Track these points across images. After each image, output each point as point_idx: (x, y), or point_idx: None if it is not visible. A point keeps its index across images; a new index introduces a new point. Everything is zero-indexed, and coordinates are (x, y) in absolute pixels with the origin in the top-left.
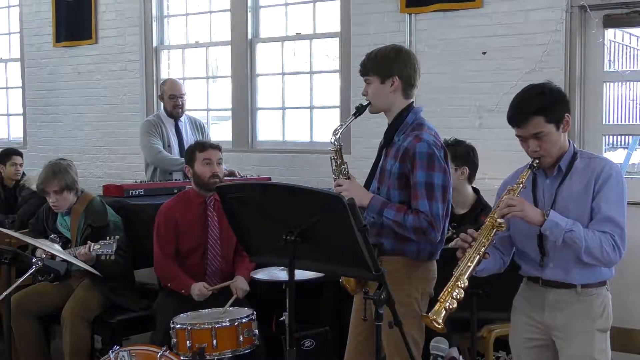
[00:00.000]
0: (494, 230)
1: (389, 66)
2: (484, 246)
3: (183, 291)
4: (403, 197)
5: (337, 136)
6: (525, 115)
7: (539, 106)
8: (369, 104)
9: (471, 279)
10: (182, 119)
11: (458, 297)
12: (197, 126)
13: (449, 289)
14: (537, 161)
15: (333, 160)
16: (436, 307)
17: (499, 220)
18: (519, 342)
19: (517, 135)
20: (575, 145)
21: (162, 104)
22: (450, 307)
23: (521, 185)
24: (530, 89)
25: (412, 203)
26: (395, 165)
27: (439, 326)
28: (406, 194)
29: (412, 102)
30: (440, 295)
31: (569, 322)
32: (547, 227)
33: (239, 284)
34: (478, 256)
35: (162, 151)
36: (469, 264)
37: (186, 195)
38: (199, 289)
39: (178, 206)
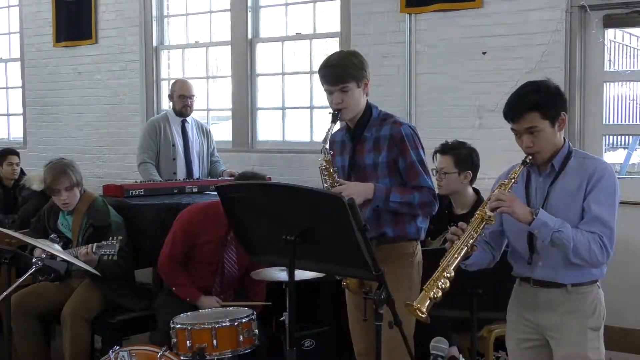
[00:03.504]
0: (483, 223)
1: (364, 70)
2: (472, 238)
3: (188, 300)
4: (394, 183)
5: (327, 145)
6: (520, 110)
7: (534, 102)
8: (341, 110)
9: (471, 278)
10: (189, 120)
11: (444, 286)
12: (204, 131)
13: (435, 279)
14: (531, 157)
15: (323, 171)
16: (420, 296)
17: (489, 213)
18: (514, 343)
19: (511, 129)
20: (570, 145)
21: (171, 103)
22: (435, 296)
23: (513, 180)
24: (527, 85)
25: (411, 182)
26: (382, 155)
27: (423, 315)
28: (396, 179)
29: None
30: (426, 285)
31: (561, 321)
32: (535, 227)
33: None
34: (465, 248)
35: (145, 163)
36: (455, 255)
37: (216, 208)
38: (211, 304)
39: (204, 217)
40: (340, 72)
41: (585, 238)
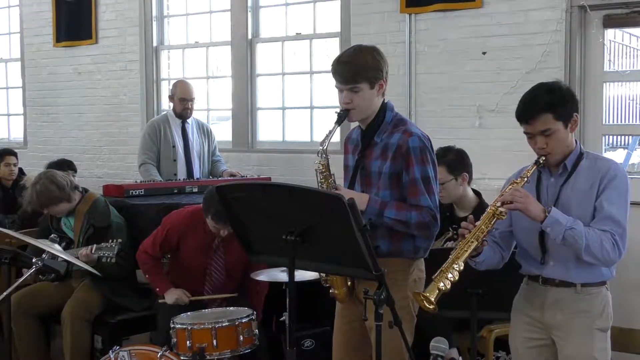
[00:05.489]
0: (495, 218)
1: (380, 70)
2: (482, 233)
3: (158, 290)
4: (394, 197)
5: (325, 147)
6: (534, 111)
7: (548, 103)
8: (349, 110)
9: (471, 278)
10: (189, 120)
11: (452, 279)
12: (205, 131)
13: (444, 270)
14: (544, 158)
15: (319, 174)
16: (430, 286)
17: (500, 208)
18: (519, 342)
19: (525, 132)
20: (582, 146)
21: (171, 103)
22: (444, 287)
23: (525, 179)
24: (540, 86)
25: (411, 199)
26: (386, 164)
27: (431, 306)
28: (398, 193)
29: (384, 100)
30: (435, 275)
31: (569, 321)
32: (548, 224)
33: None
34: (476, 242)
35: (145, 164)
36: (465, 248)
37: (202, 217)
38: (178, 296)
39: (188, 224)
40: (352, 70)
41: (597, 236)
